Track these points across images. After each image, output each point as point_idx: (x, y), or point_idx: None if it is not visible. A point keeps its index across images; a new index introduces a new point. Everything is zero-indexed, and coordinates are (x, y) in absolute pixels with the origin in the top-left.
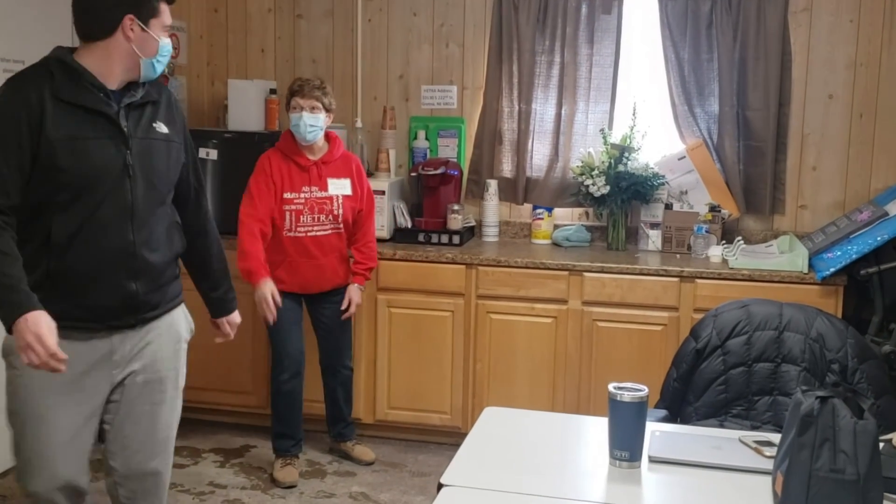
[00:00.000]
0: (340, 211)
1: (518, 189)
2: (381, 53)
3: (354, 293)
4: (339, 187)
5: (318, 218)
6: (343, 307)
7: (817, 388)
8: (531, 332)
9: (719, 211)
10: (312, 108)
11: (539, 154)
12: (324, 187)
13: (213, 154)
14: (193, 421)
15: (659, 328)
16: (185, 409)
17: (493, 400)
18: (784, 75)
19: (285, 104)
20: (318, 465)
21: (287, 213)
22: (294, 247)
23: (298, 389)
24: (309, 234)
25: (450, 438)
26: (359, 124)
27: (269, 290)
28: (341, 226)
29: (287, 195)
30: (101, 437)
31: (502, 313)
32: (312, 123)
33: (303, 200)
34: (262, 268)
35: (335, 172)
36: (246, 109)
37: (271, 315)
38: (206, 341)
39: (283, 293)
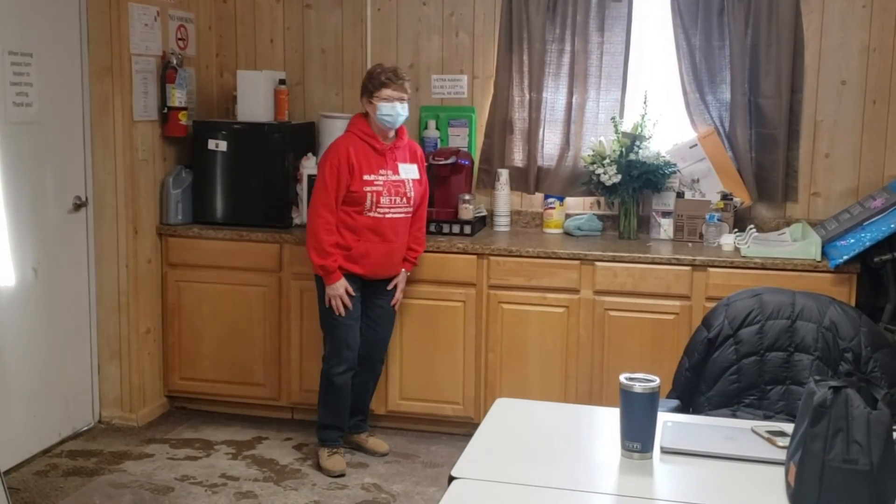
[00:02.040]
0: (412, 194)
1: (529, 178)
2: (391, 43)
3: (402, 279)
4: (409, 172)
5: (395, 200)
6: (390, 289)
7: (830, 378)
8: (543, 322)
9: (731, 199)
10: (401, 99)
11: (550, 143)
12: (396, 171)
13: (223, 146)
14: (205, 413)
15: (671, 317)
16: (196, 401)
17: (505, 390)
18: (796, 62)
19: (366, 92)
20: None
21: (368, 195)
22: (371, 228)
23: (349, 382)
24: (387, 215)
25: (462, 429)
26: None
27: (343, 287)
28: (411, 209)
29: (367, 177)
30: None
31: (514, 303)
32: (402, 112)
33: (381, 182)
34: (337, 268)
35: (404, 158)
36: (255, 100)
37: (343, 311)
38: (217, 334)
39: (346, 277)
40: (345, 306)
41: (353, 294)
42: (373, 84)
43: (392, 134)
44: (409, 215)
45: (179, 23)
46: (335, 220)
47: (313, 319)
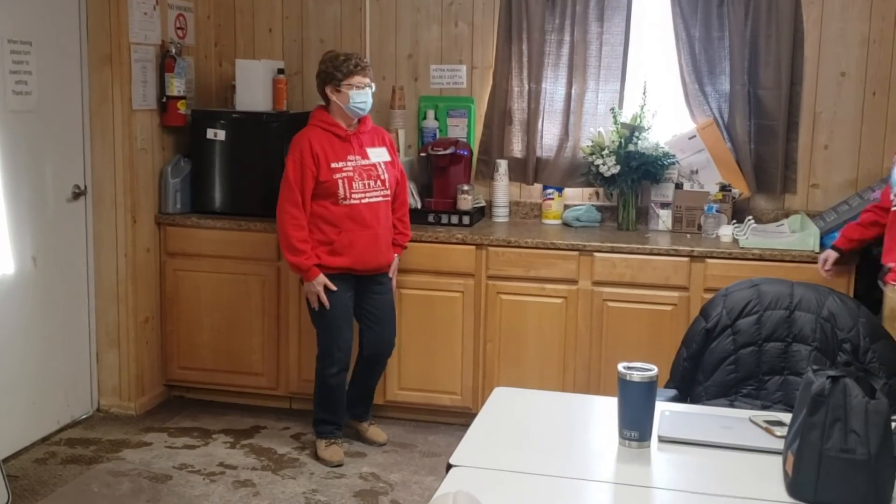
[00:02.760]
0: (386, 176)
1: (528, 169)
2: (390, 33)
3: (394, 266)
4: (378, 155)
5: (368, 184)
6: (390, 273)
7: (828, 368)
8: (541, 313)
9: (730, 190)
10: (370, 85)
11: (549, 134)
12: (365, 156)
13: (221, 135)
14: (203, 402)
15: (669, 308)
16: (195, 390)
17: (503, 380)
18: (796, 53)
19: (332, 80)
20: None
21: (340, 182)
22: (350, 216)
23: (345, 381)
24: (363, 200)
25: (460, 419)
26: None
27: (321, 284)
28: (389, 192)
29: (335, 164)
30: None
31: (513, 294)
32: (371, 99)
33: (351, 168)
34: (314, 264)
35: (371, 142)
36: (254, 89)
37: (325, 305)
38: (215, 324)
39: (335, 277)
40: (332, 304)
41: (333, 289)
42: (341, 72)
43: (355, 121)
44: (388, 199)
45: (178, 12)
46: (304, 216)
47: None
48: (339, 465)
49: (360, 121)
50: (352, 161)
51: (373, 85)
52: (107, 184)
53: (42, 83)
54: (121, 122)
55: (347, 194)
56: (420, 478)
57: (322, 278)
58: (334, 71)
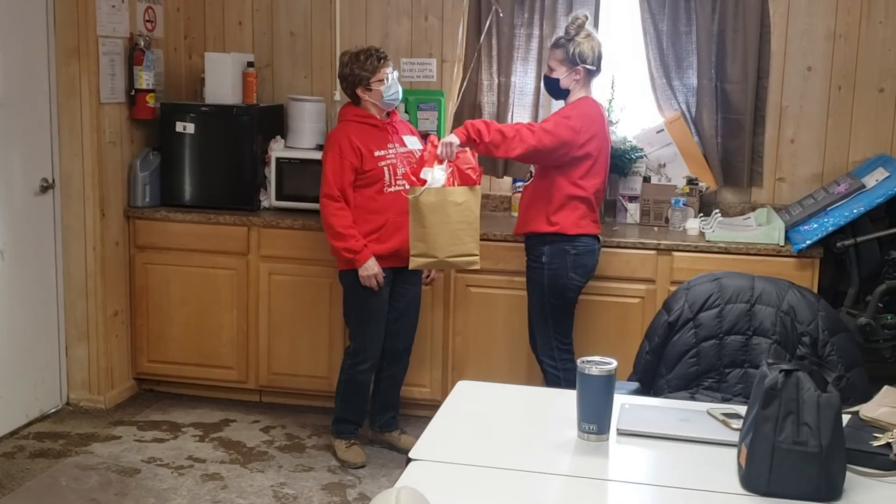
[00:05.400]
0: None
1: (497, 162)
2: (360, 26)
3: None
4: (414, 143)
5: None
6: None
7: (783, 362)
8: (510, 306)
9: (697, 184)
10: (392, 71)
11: None
12: (402, 143)
13: (191, 128)
14: (173, 395)
15: (636, 301)
16: (164, 383)
17: (472, 373)
18: (763, 47)
19: (360, 80)
20: (296, 439)
21: (385, 169)
22: (395, 204)
23: (371, 379)
24: (406, 187)
25: (429, 412)
26: (337, 97)
27: (376, 265)
28: None
29: (378, 153)
30: None
31: (481, 286)
32: (400, 85)
33: (393, 155)
34: (364, 245)
35: (404, 130)
36: (223, 82)
37: (381, 284)
38: (185, 317)
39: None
40: (375, 300)
41: (383, 275)
42: (368, 71)
43: (386, 111)
44: None
45: (147, 4)
46: (346, 206)
47: (281, 302)
48: (363, 467)
49: (389, 112)
50: (392, 149)
51: (396, 71)
52: (75, 177)
53: (8, 76)
54: (89, 116)
55: (392, 181)
56: (388, 471)
57: (374, 260)
58: (361, 72)
